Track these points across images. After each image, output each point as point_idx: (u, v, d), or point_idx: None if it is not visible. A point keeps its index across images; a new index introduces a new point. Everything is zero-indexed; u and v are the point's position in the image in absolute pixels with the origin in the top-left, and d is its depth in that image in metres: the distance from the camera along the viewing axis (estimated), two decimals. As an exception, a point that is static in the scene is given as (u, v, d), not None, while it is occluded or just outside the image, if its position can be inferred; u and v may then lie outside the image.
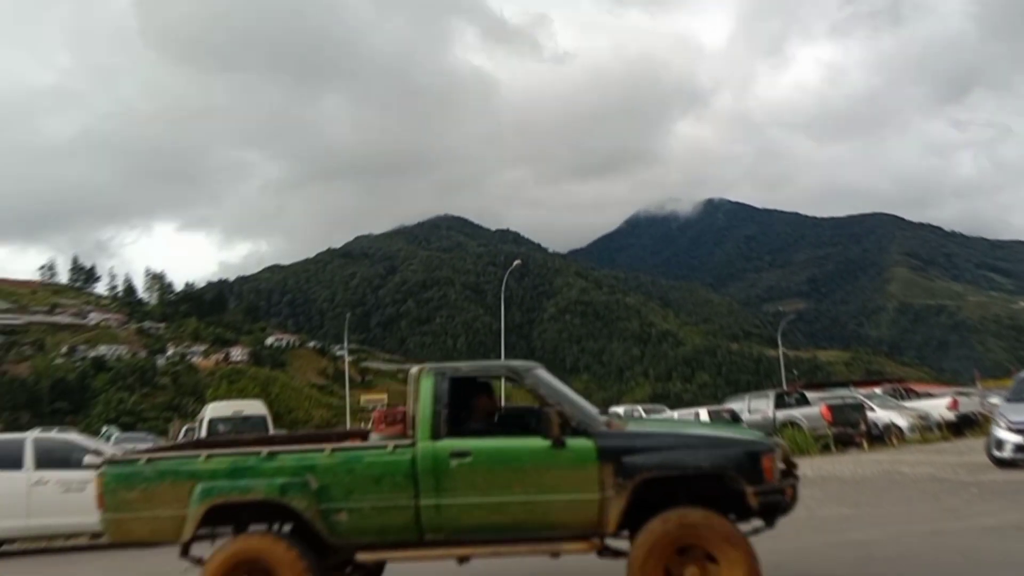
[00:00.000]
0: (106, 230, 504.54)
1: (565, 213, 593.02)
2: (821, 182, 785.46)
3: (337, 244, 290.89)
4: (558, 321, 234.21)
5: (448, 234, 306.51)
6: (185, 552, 6.38)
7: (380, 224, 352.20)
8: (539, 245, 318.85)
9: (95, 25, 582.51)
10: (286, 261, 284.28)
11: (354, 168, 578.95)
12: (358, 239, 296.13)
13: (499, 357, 62.11)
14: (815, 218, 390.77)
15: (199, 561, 6.28)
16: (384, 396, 75.78)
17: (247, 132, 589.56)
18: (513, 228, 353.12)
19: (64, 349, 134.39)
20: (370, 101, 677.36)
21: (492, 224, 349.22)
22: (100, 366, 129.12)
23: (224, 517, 6.19)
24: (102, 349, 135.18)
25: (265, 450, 6.17)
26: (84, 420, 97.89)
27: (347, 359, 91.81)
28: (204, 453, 6.20)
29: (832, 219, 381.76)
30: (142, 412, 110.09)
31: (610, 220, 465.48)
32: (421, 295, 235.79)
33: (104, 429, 52.76)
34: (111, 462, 6.33)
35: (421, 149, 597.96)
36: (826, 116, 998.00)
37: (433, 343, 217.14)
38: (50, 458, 12.18)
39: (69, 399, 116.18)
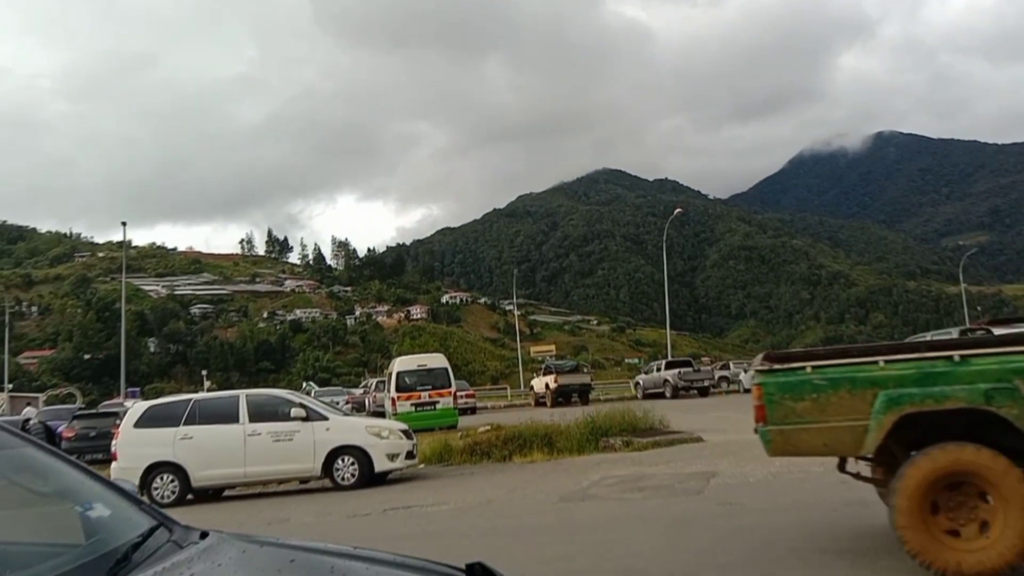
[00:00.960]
0: (296, 204, 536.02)
1: (725, 158, 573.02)
2: (1002, 107, 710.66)
3: (501, 204, 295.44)
4: (721, 267, 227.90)
5: (607, 187, 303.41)
6: (842, 467, 6.24)
7: (541, 182, 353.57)
8: (699, 192, 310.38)
9: (276, 16, 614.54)
10: (456, 223, 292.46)
11: (515, 130, 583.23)
12: (521, 198, 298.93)
13: (663, 306, 61.30)
14: (996, 145, 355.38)
15: (857, 476, 6.28)
16: (552, 347, 76.69)
17: (416, 104, 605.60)
18: (672, 177, 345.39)
19: (265, 314, 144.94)
20: (528, 64, 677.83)
21: (650, 174, 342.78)
22: (297, 328, 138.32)
23: (904, 428, 5.55)
24: (298, 312, 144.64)
25: (956, 354, 5.47)
26: (286, 377, 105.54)
27: (516, 313, 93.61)
28: (881, 359, 5.62)
29: (1016, 145, 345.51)
30: (336, 368, 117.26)
31: (773, 161, 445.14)
32: (583, 249, 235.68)
33: (304, 384, 56.55)
34: (769, 372, 5.81)
35: (578, 106, 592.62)
36: (1004, 36, 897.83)
37: (596, 295, 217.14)
38: (261, 412, 13.14)
39: (271, 359, 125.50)
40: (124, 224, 48.44)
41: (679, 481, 10.44)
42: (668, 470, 11.55)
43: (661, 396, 35.96)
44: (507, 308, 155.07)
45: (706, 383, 37.75)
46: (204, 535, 2.65)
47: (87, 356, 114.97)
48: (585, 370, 40.64)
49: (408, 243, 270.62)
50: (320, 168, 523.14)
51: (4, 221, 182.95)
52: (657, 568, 6.17)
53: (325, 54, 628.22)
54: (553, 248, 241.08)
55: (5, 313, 74.21)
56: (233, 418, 12.97)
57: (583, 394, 35.60)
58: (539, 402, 37.50)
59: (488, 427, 17.77)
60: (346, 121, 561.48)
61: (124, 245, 66.41)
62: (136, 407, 14.27)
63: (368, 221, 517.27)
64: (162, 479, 12.72)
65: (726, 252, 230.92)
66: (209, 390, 48.66)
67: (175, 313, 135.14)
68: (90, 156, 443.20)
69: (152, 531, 2.56)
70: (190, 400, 13.73)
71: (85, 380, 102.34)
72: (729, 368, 44.39)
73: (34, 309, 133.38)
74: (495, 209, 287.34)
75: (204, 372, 65.47)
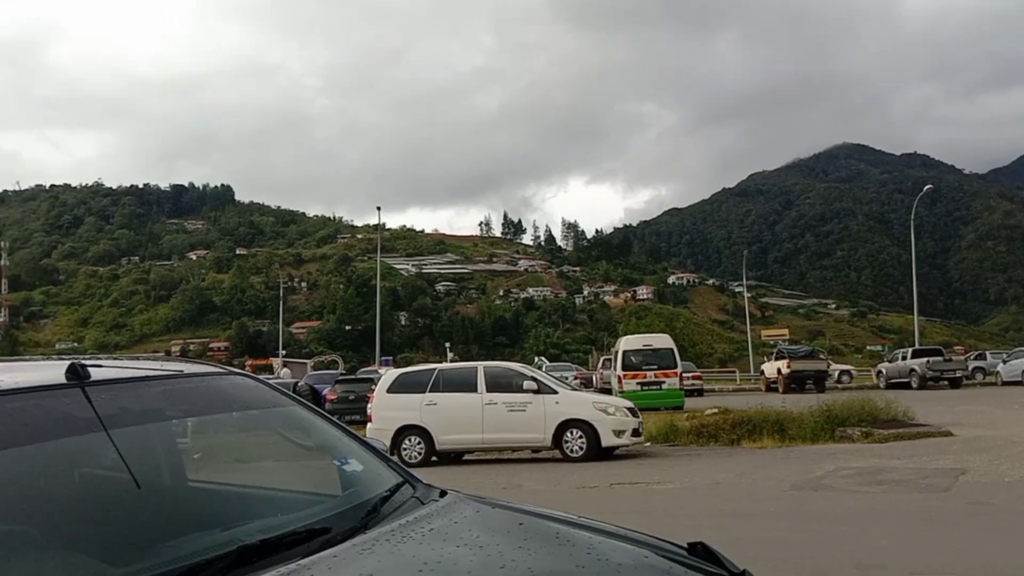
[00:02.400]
0: (529, 187, 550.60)
1: (982, 129, 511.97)
2: None
3: (731, 183, 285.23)
4: (978, 249, 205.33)
5: (847, 163, 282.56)
6: None
7: (774, 160, 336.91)
8: (952, 167, 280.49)
9: (511, 7, 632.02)
10: (683, 204, 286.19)
11: (746, 106, 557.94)
12: (752, 176, 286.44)
13: (910, 290, 56.15)
14: None
15: None
16: (785, 331, 73.13)
17: (643, 84, 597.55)
18: (921, 151, 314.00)
19: (501, 292, 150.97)
20: (760, 35, 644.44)
21: (896, 148, 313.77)
22: (530, 306, 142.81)
23: None
24: (530, 291, 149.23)
25: None
26: (519, 351, 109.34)
27: (746, 295, 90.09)
28: None
29: None
30: (565, 345, 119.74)
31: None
32: (819, 228, 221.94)
33: (536, 359, 58.16)
34: None
35: (815, 78, 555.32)
36: None
37: (834, 277, 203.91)
38: (497, 383, 13.73)
39: (507, 334, 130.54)
40: (379, 209, 52.77)
41: (923, 476, 9.58)
42: (911, 464, 10.64)
43: (907, 386, 33.14)
44: (736, 290, 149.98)
45: (958, 374, 34.21)
46: (443, 494, 2.82)
47: (348, 327, 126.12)
48: (821, 356, 38.34)
49: (635, 224, 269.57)
50: (551, 152, 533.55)
51: (279, 206, 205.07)
52: (897, 565, 5.71)
53: (556, 40, 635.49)
54: (787, 228, 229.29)
55: (280, 288, 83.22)
56: (472, 387, 13.65)
57: (818, 381, 33.59)
58: (770, 387, 35.98)
59: (716, 410, 17.38)
60: (575, 105, 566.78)
61: (379, 228, 71.86)
62: (389, 374, 15.46)
63: (596, 202, 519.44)
64: (410, 441, 13.63)
65: (984, 232, 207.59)
66: (452, 361, 51.54)
67: (423, 290, 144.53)
68: (349, 146, 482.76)
69: (398, 487, 2.77)
70: (435, 369, 14.67)
71: (346, 349, 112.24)
72: (985, 358, 39.96)
73: (304, 285, 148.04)
74: (724, 188, 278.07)
75: (447, 344, 69.21)
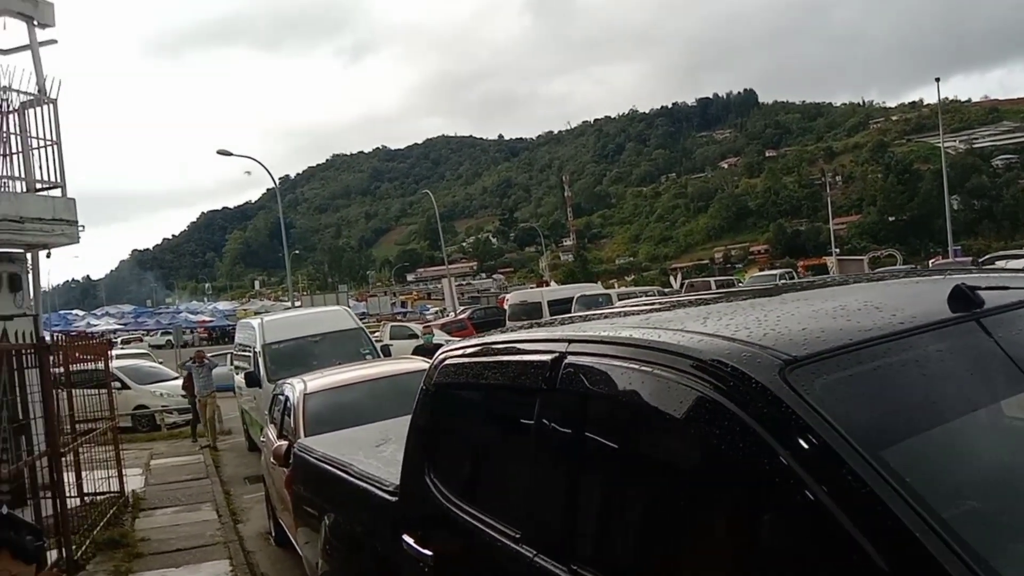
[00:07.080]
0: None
1: None
2: None
3: None
4: None
5: None
6: None
7: None
8: None
9: None
10: None
11: None
12: None
13: None
14: None
15: None
16: None
17: None
18: None
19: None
20: None
21: None
22: None
23: None
24: None
25: None
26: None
27: None
28: None
29: None
30: None
31: None
32: None
33: None
34: None
35: None
36: None
37: None
38: None
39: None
40: (937, 80, 46.59)
41: None
42: None
43: None
44: None
45: None
46: None
47: (891, 218, 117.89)
48: None
49: None
50: None
51: (803, 101, 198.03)
52: None
53: None
54: None
55: (826, 184, 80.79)
56: None
57: None
58: None
59: None
60: None
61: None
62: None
63: None
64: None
65: None
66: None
67: (976, 168, 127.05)
68: (874, 21, 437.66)
69: None
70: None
71: (891, 241, 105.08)
72: None
73: (838, 178, 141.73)
74: None
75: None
